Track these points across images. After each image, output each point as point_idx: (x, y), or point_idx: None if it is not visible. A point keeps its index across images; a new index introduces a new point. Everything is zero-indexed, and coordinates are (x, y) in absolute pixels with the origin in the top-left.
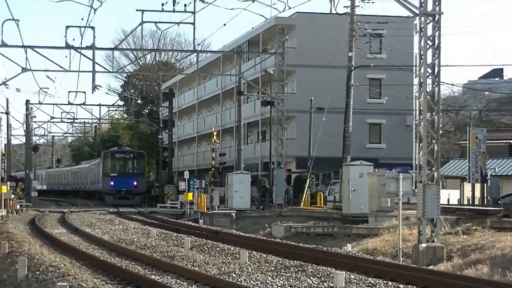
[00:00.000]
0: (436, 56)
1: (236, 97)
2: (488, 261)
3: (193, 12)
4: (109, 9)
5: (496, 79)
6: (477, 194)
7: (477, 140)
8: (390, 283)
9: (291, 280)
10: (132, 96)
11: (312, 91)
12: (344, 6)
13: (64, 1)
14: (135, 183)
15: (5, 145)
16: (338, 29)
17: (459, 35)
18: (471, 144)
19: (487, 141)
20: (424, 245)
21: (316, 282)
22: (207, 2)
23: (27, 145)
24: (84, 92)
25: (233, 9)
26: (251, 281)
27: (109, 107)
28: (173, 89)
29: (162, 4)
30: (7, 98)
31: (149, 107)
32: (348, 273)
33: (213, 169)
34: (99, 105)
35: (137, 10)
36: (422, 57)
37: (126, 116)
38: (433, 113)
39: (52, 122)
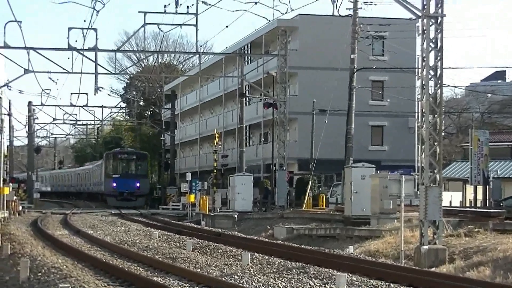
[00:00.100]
0: (438, 58)
1: (238, 99)
2: (490, 263)
3: (196, 14)
4: (112, 10)
5: (499, 81)
6: (479, 196)
7: (479, 142)
8: (392, 285)
9: (293, 282)
10: (134, 98)
11: (314, 93)
12: (347, 8)
13: (66, 2)
14: (138, 184)
15: (7, 146)
16: (341, 31)
17: (459, 37)
18: (473, 146)
19: (489, 143)
20: (426, 247)
21: (318, 284)
22: (210, 4)
23: (29, 146)
24: (86, 94)
25: (235, 11)
26: (253, 283)
27: (111, 109)
28: (175, 91)
29: (165, 6)
30: (9, 100)
31: (151, 109)
32: (350, 275)
33: (215, 171)
34: (102, 107)
35: (139, 12)
36: (425, 59)
37: (128, 118)
38: (435, 115)
39: (54, 123)
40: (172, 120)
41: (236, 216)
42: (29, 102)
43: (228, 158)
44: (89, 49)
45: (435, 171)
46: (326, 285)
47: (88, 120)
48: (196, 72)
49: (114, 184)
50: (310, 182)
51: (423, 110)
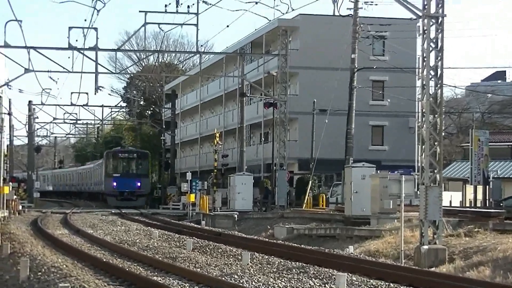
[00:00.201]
0: (439, 58)
1: (238, 99)
2: (490, 263)
3: (196, 14)
4: (112, 10)
5: (499, 81)
6: (479, 196)
7: (479, 143)
8: (392, 285)
9: (293, 282)
10: (134, 97)
11: (314, 93)
12: (347, 8)
13: (67, 2)
14: (139, 184)
15: (7, 146)
16: (341, 31)
17: (460, 36)
18: (473, 146)
19: (490, 143)
20: (426, 247)
21: (318, 284)
22: (210, 4)
23: (29, 146)
24: (86, 93)
25: (236, 10)
26: (253, 283)
27: (111, 108)
28: (175, 90)
29: (165, 6)
30: (9, 99)
31: (151, 109)
32: (350, 275)
33: (216, 170)
34: (102, 106)
35: (140, 11)
36: (425, 59)
37: (129, 117)
38: (436, 115)
39: (55, 123)
40: (173, 119)
41: (236, 216)
42: (29, 102)
43: (228, 157)
44: (90, 49)
45: (435, 171)
46: (326, 285)
47: (89, 119)
48: (196, 72)
49: (115, 184)
50: (310, 182)
51: (424, 110)
